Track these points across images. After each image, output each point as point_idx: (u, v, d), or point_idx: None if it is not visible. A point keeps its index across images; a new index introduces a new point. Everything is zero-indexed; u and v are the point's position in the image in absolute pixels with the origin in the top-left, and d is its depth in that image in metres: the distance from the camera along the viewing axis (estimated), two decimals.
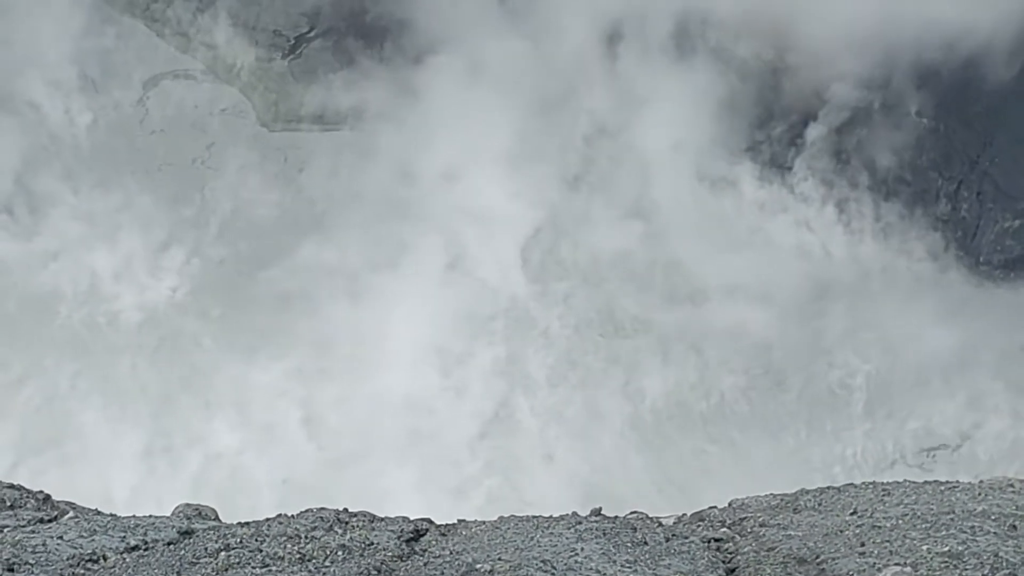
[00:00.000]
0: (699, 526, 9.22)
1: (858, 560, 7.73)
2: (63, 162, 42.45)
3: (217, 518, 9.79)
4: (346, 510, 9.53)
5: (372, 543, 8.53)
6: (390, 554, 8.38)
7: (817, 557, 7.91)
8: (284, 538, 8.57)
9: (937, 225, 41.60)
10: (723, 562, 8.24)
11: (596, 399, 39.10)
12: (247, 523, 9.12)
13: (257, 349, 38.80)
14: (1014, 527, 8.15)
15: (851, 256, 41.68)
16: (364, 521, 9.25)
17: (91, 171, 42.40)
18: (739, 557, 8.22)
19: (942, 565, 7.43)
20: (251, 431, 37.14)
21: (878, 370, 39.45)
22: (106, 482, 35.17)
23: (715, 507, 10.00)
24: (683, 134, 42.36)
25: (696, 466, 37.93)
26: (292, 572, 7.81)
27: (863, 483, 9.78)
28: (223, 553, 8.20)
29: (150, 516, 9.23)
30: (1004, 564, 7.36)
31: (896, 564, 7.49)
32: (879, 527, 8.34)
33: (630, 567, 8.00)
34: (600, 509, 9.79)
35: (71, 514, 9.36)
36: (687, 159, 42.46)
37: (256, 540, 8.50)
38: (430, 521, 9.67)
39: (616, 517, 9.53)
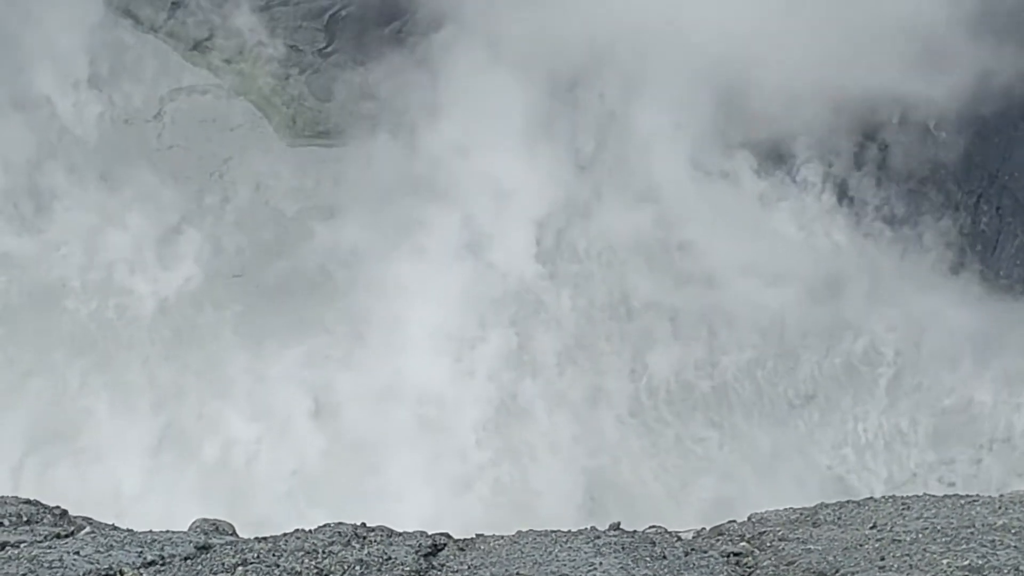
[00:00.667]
0: (718, 540, 9.22)
1: (878, 574, 7.73)
2: (72, 157, 42.17)
3: (234, 533, 9.82)
4: (364, 524, 9.57)
5: (390, 558, 8.55)
6: (408, 569, 8.40)
7: (837, 571, 7.90)
8: (302, 553, 8.60)
9: (951, 223, 41.16)
10: None
11: (602, 383, 38.94)
12: (264, 538, 9.15)
13: (271, 338, 38.62)
14: None
15: (861, 247, 41.30)
16: (382, 536, 9.28)
17: (101, 166, 42.13)
18: (758, 571, 8.22)
19: None
20: (263, 421, 37.07)
21: (906, 344, 39.00)
22: (116, 476, 35.19)
23: (734, 521, 10.01)
24: (682, 120, 41.86)
25: (696, 453, 37.80)
26: None
27: (882, 497, 9.79)
28: (240, 568, 8.23)
29: (167, 531, 9.26)
30: None
31: None
32: (899, 541, 8.33)
33: None
34: (619, 523, 9.82)
35: (87, 529, 9.38)
36: (686, 145, 42.04)
37: (274, 555, 8.53)
38: (448, 536, 9.70)
39: (635, 531, 9.55)
